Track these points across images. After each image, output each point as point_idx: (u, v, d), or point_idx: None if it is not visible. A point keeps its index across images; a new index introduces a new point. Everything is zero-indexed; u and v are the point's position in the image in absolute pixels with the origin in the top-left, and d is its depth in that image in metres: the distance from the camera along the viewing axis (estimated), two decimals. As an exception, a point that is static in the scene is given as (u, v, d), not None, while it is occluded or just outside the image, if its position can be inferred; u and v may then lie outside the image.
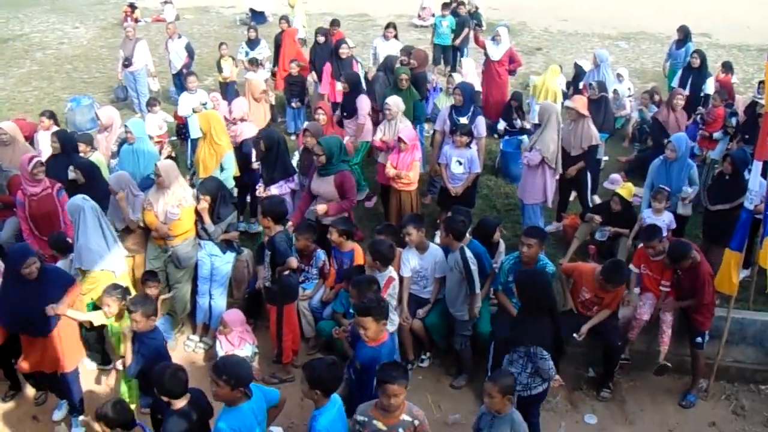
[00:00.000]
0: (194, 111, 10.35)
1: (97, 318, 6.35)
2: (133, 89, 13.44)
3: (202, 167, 8.50)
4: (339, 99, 10.92)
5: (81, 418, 6.60)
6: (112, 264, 6.83)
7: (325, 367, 4.66)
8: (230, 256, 7.51)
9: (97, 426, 5.30)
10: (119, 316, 6.17)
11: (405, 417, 4.70)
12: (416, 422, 4.74)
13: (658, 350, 6.92)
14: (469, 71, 12.17)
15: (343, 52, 11.54)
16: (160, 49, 15.82)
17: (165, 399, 4.68)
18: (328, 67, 11.67)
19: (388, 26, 12.96)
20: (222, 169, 8.44)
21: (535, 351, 5.48)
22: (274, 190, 8.06)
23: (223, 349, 6.97)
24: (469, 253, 6.55)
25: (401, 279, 6.93)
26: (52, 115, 9.63)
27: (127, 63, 13.28)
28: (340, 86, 10.65)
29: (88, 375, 7.19)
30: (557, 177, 8.52)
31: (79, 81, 16.12)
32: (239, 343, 6.98)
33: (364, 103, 9.84)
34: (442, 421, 6.72)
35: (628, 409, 6.96)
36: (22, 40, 21.19)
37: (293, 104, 12.27)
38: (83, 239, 6.65)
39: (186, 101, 10.91)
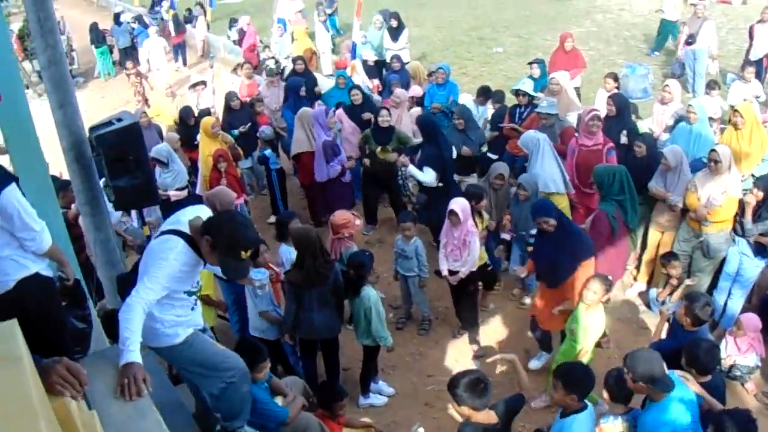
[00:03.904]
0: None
1: None
2: (690, 67, 13.28)
3: (744, 160, 8.06)
4: None
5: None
6: (558, 187, 7.65)
7: None
8: (761, 261, 7.16)
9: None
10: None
11: None
12: None
13: None
14: None
15: None
16: (722, 31, 15.39)
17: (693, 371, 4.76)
18: None
19: None
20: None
21: None
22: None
23: (727, 350, 6.79)
24: None
25: None
26: (616, 78, 10.07)
27: (691, 40, 13.15)
28: None
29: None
30: None
31: (636, 49, 16.46)
32: (746, 349, 6.71)
33: None
34: None
35: None
36: (585, 1, 22.35)
37: None
38: (538, 167, 7.65)
39: (737, 90, 10.49)
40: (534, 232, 7.50)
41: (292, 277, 6.14)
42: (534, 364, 7.07)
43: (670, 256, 7.33)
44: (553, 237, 6.19)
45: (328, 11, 18.62)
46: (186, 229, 3.86)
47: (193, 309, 4.18)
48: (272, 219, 10.23)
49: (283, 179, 10.11)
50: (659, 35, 16.15)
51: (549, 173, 7.66)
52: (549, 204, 6.40)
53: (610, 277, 6.44)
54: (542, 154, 7.73)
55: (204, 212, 4.04)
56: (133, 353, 3.46)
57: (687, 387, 4.51)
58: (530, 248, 7.46)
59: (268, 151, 9.99)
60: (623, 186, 6.96)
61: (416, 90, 10.97)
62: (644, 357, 4.46)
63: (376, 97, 11.63)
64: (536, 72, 10.68)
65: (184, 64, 20.97)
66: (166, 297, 3.84)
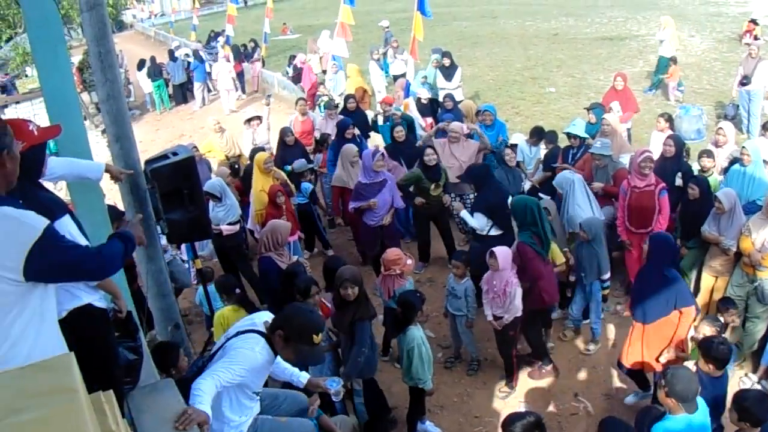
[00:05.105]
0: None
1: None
2: (745, 108, 13.08)
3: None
4: None
5: None
6: None
7: None
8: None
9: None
10: None
11: None
12: None
13: None
14: None
15: None
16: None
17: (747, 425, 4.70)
18: None
19: None
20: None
21: None
22: None
23: (782, 398, 6.58)
24: None
25: None
26: (669, 119, 9.95)
27: (746, 81, 12.96)
28: None
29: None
30: None
31: (689, 90, 16.25)
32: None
33: None
34: None
35: None
36: (637, 41, 22.33)
37: None
38: (571, 207, 7.85)
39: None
40: (607, 276, 7.49)
41: (366, 313, 6.10)
42: (630, 400, 7.02)
43: (727, 302, 7.12)
44: (648, 274, 6.31)
45: (382, 50, 18.84)
46: (264, 330, 4.24)
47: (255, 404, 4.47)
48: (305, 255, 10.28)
49: (307, 215, 10.17)
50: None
51: (583, 212, 7.76)
52: (667, 239, 6.52)
53: (721, 318, 6.56)
54: (576, 194, 7.86)
55: (270, 317, 4.42)
56: (206, 406, 3.70)
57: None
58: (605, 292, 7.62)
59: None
60: (535, 216, 6.98)
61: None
62: (686, 377, 4.64)
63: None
64: (593, 119, 10.46)
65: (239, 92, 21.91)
66: (243, 395, 4.19)
